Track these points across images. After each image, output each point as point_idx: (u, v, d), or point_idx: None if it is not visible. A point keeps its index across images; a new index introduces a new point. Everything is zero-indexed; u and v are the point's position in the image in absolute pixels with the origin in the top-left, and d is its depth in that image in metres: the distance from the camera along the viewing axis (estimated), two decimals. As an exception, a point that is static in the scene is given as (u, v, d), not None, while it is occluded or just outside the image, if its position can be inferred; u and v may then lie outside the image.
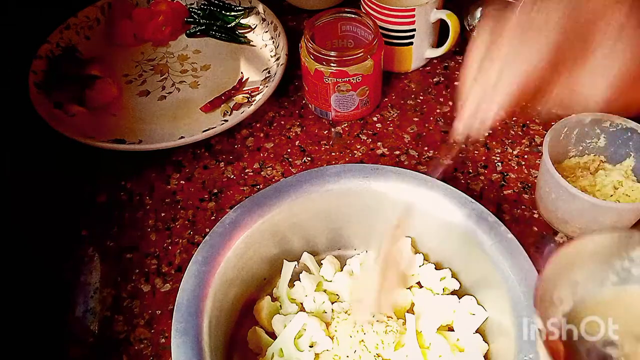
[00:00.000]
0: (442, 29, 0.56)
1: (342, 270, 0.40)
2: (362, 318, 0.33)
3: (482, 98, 0.31)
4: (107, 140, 0.49)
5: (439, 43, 0.56)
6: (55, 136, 0.48)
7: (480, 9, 0.59)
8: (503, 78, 0.30)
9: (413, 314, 0.37)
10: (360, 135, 0.52)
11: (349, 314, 0.36)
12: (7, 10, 0.54)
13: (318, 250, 0.41)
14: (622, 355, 0.23)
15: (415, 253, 0.40)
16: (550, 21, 0.30)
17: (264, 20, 0.60)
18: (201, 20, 0.60)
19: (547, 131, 0.42)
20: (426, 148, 0.50)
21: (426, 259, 0.40)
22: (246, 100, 0.53)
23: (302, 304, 0.38)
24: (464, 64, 0.33)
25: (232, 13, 0.61)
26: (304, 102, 0.54)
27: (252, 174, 0.49)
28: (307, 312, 0.37)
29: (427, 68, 0.57)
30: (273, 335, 0.37)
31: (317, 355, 0.35)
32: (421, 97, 0.55)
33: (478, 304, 0.37)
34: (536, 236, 0.44)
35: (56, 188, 0.48)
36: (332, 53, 0.48)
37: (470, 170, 0.49)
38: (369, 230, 0.41)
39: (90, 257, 0.44)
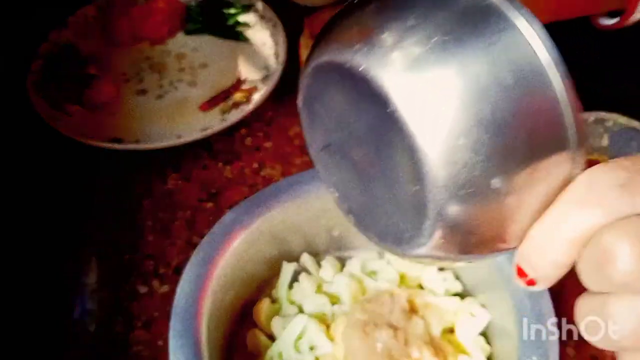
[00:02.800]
0: (443, 26, 0.55)
1: (342, 272, 0.39)
2: None
3: None
4: (105, 140, 0.48)
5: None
6: (53, 135, 0.48)
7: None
8: None
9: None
10: (361, 135, 0.51)
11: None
12: (4, 9, 0.54)
13: (318, 251, 0.41)
14: None
15: (416, 254, 0.39)
16: None
17: (263, 17, 0.59)
18: (199, 18, 0.60)
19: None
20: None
21: (427, 259, 0.40)
22: (245, 99, 0.52)
23: (301, 305, 0.38)
24: None
25: (231, 10, 0.60)
26: (303, 100, 0.54)
27: (251, 173, 0.49)
28: (307, 314, 0.37)
29: (428, 66, 0.57)
30: (272, 338, 0.36)
31: (317, 357, 0.35)
32: (422, 96, 0.54)
33: (481, 306, 0.37)
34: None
35: (53, 187, 0.48)
36: (332, 51, 0.48)
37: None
38: (369, 230, 0.40)
39: (87, 258, 0.44)
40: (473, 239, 0.17)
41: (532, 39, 0.16)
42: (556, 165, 0.16)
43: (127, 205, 0.47)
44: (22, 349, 0.38)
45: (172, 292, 0.35)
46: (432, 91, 0.15)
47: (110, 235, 0.45)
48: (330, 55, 0.17)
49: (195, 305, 0.33)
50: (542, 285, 0.17)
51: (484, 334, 0.36)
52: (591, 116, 0.42)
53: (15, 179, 0.46)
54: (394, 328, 0.34)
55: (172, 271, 0.42)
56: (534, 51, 0.16)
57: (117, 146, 0.48)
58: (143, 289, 0.41)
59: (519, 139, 0.15)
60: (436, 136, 0.15)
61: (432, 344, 0.34)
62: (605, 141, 0.43)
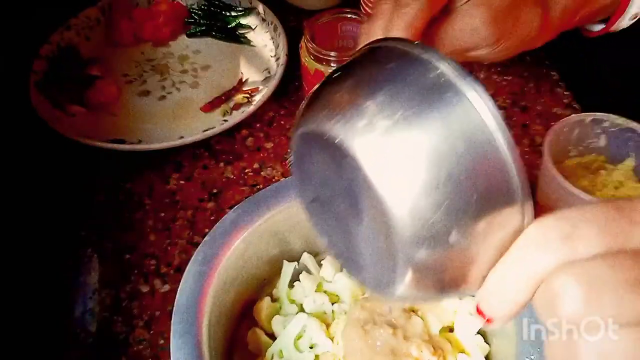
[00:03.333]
0: (442, 29, 0.55)
1: (342, 271, 0.40)
2: None
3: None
4: (107, 140, 0.49)
5: (439, 43, 0.56)
6: (55, 136, 0.48)
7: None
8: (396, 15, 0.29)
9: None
10: (361, 136, 0.52)
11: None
12: (7, 10, 0.54)
13: (318, 250, 0.41)
14: None
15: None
16: None
17: (264, 20, 0.60)
18: (201, 21, 0.60)
19: (547, 131, 0.41)
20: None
21: (427, 259, 0.40)
22: (246, 100, 0.53)
23: (302, 304, 0.38)
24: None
25: (233, 13, 0.61)
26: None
27: (251, 174, 0.49)
28: (307, 313, 0.37)
29: (428, 68, 0.57)
30: (273, 337, 0.37)
31: (317, 356, 0.35)
32: (421, 98, 0.54)
33: (479, 304, 0.37)
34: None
35: (55, 188, 0.48)
36: (332, 53, 0.48)
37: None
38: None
39: (89, 257, 0.44)
40: (441, 282, 0.19)
41: (481, 110, 0.17)
42: (508, 218, 0.18)
43: (128, 205, 0.47)
44: (23, 349, 0.38)
45: (174, 291, 0.35)
46: (397, 160, 0.18)
47: (111, 234, 0.45)
48: (313, 125, 0.20)
49: (196, 304, 0.33)
50: (499, 323, 0.19)
51: (482, 332, 0.36)
52: (589, 117, 0.42)
53: (16, 179, 0.46)
54: (393, 326, 0.34)
55: (174, 270, 0.42)
56: (484, 121, 0.17)
57: (119, 147, 0.48)
58: (144, 288, 0.42)
59: (474, 198, 0.17)
60: (401, 199, 0.18)
61: (431, 342, 0.34)
62: (603, 142, 0.43)
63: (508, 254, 0.18)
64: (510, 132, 0.18)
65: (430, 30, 0.30)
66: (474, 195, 0.17)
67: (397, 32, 0.28)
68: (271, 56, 0.57)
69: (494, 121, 0.17)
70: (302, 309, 0.38)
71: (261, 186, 0.47)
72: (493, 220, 0.18)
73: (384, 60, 0.20)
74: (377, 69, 0.19)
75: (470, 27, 0.31)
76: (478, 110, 0.17)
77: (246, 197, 0.39)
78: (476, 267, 0.18)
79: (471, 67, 0.57)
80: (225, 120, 0.51)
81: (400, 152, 0.18)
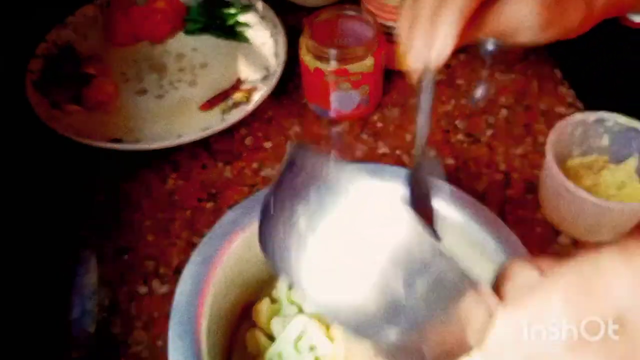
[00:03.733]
0: (443, 26, 0.55)
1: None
2: None
3: (425, 21, 0.29)
4: (104, 140, 0.48)
5: (440, 41, 0.55)
6: (52, 136, 0.48)
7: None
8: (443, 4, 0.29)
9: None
10: (361, 135, 0.51)
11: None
12: (4, 9, 0.53)
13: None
14: None
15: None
16: None
17: (263, 17, 0.59)
18: (199, 18, 0.60)
19: (550, 130, 0.41)
20: (428, 147, 0.50)
21: (427, 260, 0.40)
22: (245, 99, 0.52)
23: (301, 306, 0.38)
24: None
25: (231, 10, 0.60)
26: (303, 100, 0.54)
27: (251, 173, 0.48)
28: (307, 315, 0.36)
29: (428, 66, 0.57)
30: (272, 338, 0.36)
31: (317, 358, 0.35)
32: (422, 96, 0.54)
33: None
34: (539, 237, 0.43)
35: (52, 188, 0.47)
36: (332, 51, 0.48)
37: (473, 170, 0.48)
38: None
39: (86, 258, 0.44)
40: None
41: (414, 230, 0.18)
42: (472, 311, 0.19)
43: (126, 205, 0.47)
44: (22, 349, 0.38)
45: (172, 292, 0.35)
46: (344, 294, 0.19)
47: (110, 235, 0.44)
48: (267, 257, 0.22)
49: (195, 305, 0.33)
50: None
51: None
52: (591, 116, 0.42)
53: (15, 180, 0.46)
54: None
55: (172, 271, 0.42)
56: (417, 238, 0.18)
57: (116, 146, 0.48)
58: (143, 290, 0.41)
59: (430, 310, 0.19)
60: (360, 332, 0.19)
61: (433, 344, 0.34)
62: (605, 141, 0.43)
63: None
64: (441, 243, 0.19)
65: (478, 13, 0.30)
66: (430, 307, 0.19)
67: (448, 15, 0.28)
68: (270, 54, 0.56)
69: (420, 238, 0.18)
70: (301, 310, 0.37)
71: (260, 186, 0.47)
72: (458, 320, 0.19)
73: (313, 190, 0.20)
74: (312, 201, 0.20)
75: (520, 14, 0.31)
76: (412, 230, 0.18)
77: (245, 197, 0.39)
78: (460, 348, 0.20)
79: (472, 66, 0.57)
80: (224, 119, 0.50)
81: (345, 286, 0.19)
